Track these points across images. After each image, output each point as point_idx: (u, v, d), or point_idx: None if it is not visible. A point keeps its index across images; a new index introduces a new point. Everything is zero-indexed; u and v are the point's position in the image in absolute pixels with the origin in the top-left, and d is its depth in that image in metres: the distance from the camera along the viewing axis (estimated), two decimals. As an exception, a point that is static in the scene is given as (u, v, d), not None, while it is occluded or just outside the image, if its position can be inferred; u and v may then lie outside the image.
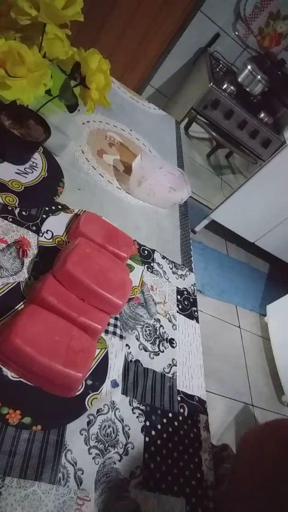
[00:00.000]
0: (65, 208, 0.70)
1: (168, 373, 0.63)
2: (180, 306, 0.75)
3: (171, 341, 0.68)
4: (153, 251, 0.80)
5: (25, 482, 0.41)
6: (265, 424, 0.55)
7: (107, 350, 0.56)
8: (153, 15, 1.87)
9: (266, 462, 0.50)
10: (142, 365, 0.60)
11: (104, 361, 0.55)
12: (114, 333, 0.60)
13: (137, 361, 0.60)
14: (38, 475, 0.42)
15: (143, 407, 0.55)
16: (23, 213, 0.63)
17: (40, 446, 0.44)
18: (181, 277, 0.81)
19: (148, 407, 0.56)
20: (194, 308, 0.78)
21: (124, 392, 0.55)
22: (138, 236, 0.79)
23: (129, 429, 0.52)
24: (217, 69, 1.89)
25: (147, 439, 0.53)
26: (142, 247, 0.78)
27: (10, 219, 0.61)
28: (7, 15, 0.51)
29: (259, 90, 1.81)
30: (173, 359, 0.65)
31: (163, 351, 0.65)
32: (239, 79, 1.81)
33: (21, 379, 0.46)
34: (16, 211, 0.62)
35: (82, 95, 0.60)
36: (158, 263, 0.78)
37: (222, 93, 1.70)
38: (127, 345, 0.60)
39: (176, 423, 0.58)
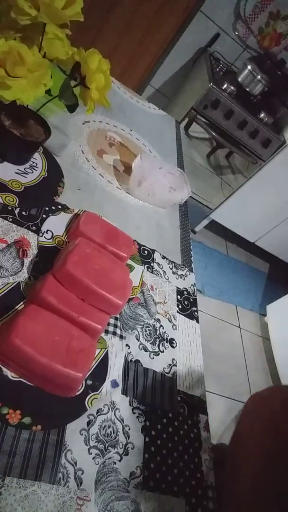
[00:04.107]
0: (65, 208, 0.70)
1: (168, 373, 0.63)
2: (180, 306, 0.75)
3: (171, 341, 0.68)
4: (153, 251, 0.80)
5: (25, 482, 0.41)
6: (270, 387, 0.57)
7: (107, 350, 0.56)
8: (153, 15, 1.87)
9: (269, 415, 0.51)
10: (142, 365, 0.60)
11: (104, 361, 0.55)
12: (114, 333, 0.60)
13: (137, 361, 0.60)
14: (38, 475, 0.42)
15: (143, 407, 0.55)
16: (23, 213, 0.63)
17: (40, 446, 0.44)
18: (181, 277, 0.81)
19: (148, 407, 0.56)
20: (194, 308, 0.78)
21: (124, 392, 0.55)
22: (138, 236, 0.79)
23: (129, 429, 0.52)
24: (217, 69, 1.89)
25: (147, 439, 0.53)
26: (142, 247, 0.78)
27: (10, 219, 0.61)
28: (7, 15, 0.51)
29: (259, 90, 1.81)
30: (173, 359, 0.65)
31: (163, 351, 0.65)
32: (239, 79, 1.80)
33: (21, 379, 0.46)
34: (16, 211, 0.62)
35: (82, 95, 0.60)
36: (158, 263, 0.78)
37: (222, 93, 1.70)
38: (127, 345, 0.60)
39: (176, 423, 0.58)
